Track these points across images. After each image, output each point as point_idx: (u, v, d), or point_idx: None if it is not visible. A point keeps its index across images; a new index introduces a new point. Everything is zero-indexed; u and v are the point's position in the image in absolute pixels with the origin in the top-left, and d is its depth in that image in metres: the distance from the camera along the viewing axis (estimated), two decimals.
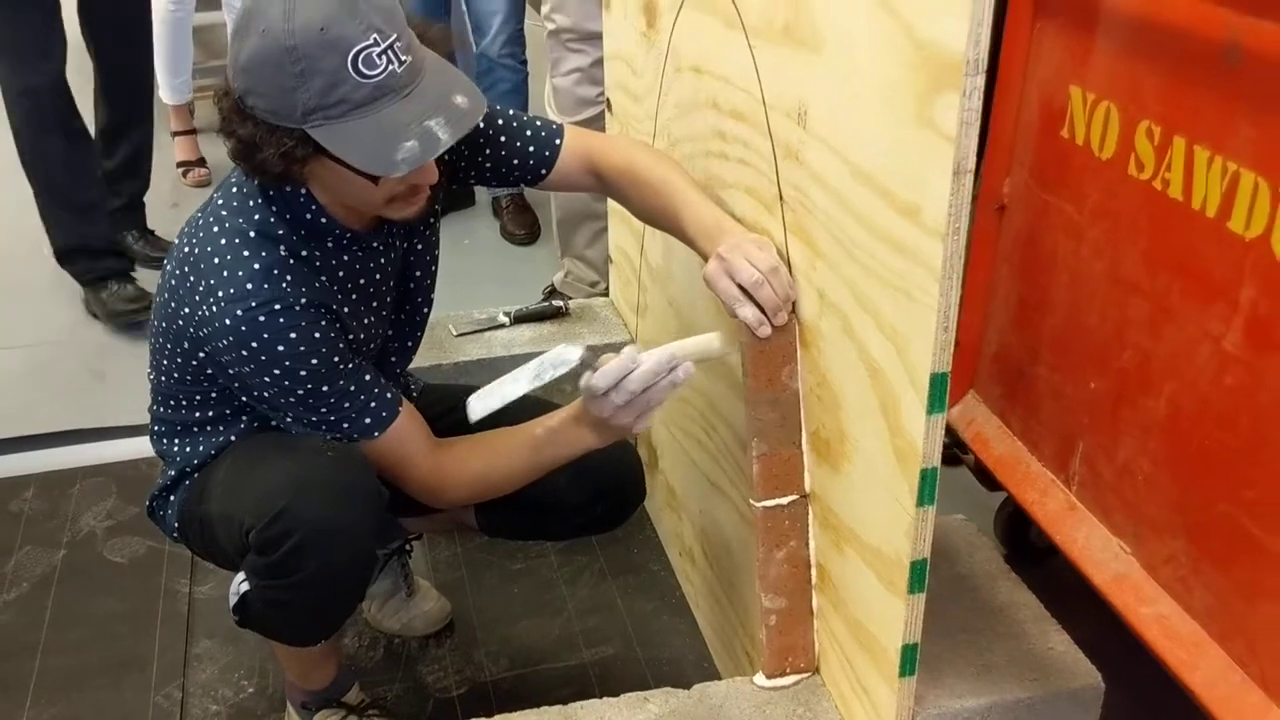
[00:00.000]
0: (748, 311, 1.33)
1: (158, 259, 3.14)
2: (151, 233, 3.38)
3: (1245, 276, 1.29)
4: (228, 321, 1.36)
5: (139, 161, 3.25)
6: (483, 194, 3.72)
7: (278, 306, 1.35)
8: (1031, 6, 1.66)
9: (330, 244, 1.44)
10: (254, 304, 1.35)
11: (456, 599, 2.02)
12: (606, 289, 2.49)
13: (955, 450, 2.37)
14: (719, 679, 1.82)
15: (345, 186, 1.34)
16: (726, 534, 1.74)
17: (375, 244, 1.49)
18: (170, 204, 3.76)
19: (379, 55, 1.23)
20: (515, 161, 1.61)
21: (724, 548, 1.77)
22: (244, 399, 1.48)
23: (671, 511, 2.07)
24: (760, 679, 1.41)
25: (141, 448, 2.41)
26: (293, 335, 1.36)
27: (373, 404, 1.45)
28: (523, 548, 2.14)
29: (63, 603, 2.04)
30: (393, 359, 1.64)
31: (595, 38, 2.52)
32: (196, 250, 1.41)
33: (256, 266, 1.36)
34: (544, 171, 1.63)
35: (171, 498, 1.61)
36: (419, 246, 1.60)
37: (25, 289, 3.19)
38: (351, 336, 1.46)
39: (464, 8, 3.46)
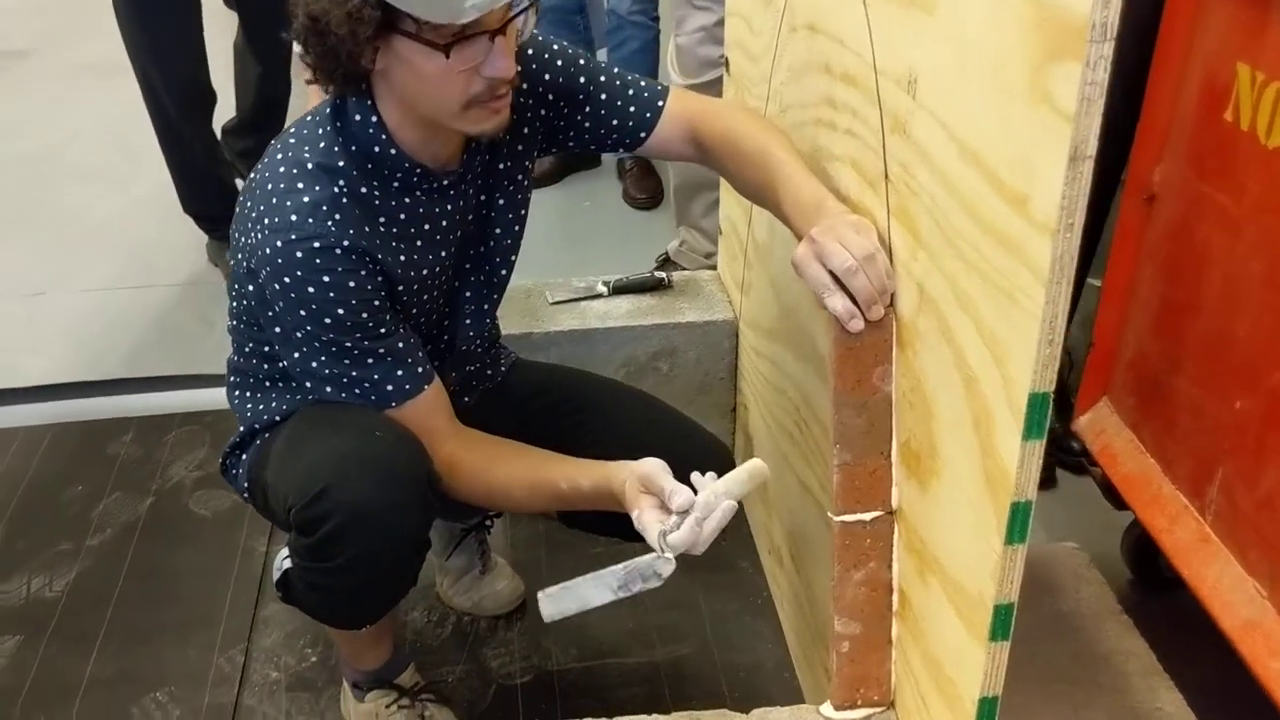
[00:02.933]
0: (837, 302, 1.19)
1: None
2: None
3: None
4: (268, 250, 1.29)
5: (275, 112, 3.23)
6: (609, 155, 3.61)
7: (317, 244, 1.28)
8: None
9: (397, 182, 1.35)
10: (294, 237, 1.28)
11: (531, 580, 1.93)
12: None
13: (1083, 460, 2.18)
14: (797, 691, 1.70)
15: (420, 83, 1.24)
16: (813, 538, 1.60)
17: (446, 183, 1.39)
18: None
19: None
20: (614, 123, 1.50)
21: (810, 553, 1.63)
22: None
23: (762, 506, 1.94)
24: (828, 709, 1.27)
25: None
26: (326, 278, 1.28)
27: (398, 373, 1.36)
28: None
29: (142, 554, 2.02)
30: (467, 320, 1.55)
31: None
32: (257, 177, 1.35)
33: (306, 200, 1.29)
34: (643, 135, 1.51)
35: (243, 456, 1.56)
36: (500, 201, 1.49)
37: (152, 230, 3.22)
38: (403, 287, 1.37)
39: None
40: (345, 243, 1.29)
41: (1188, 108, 1.51)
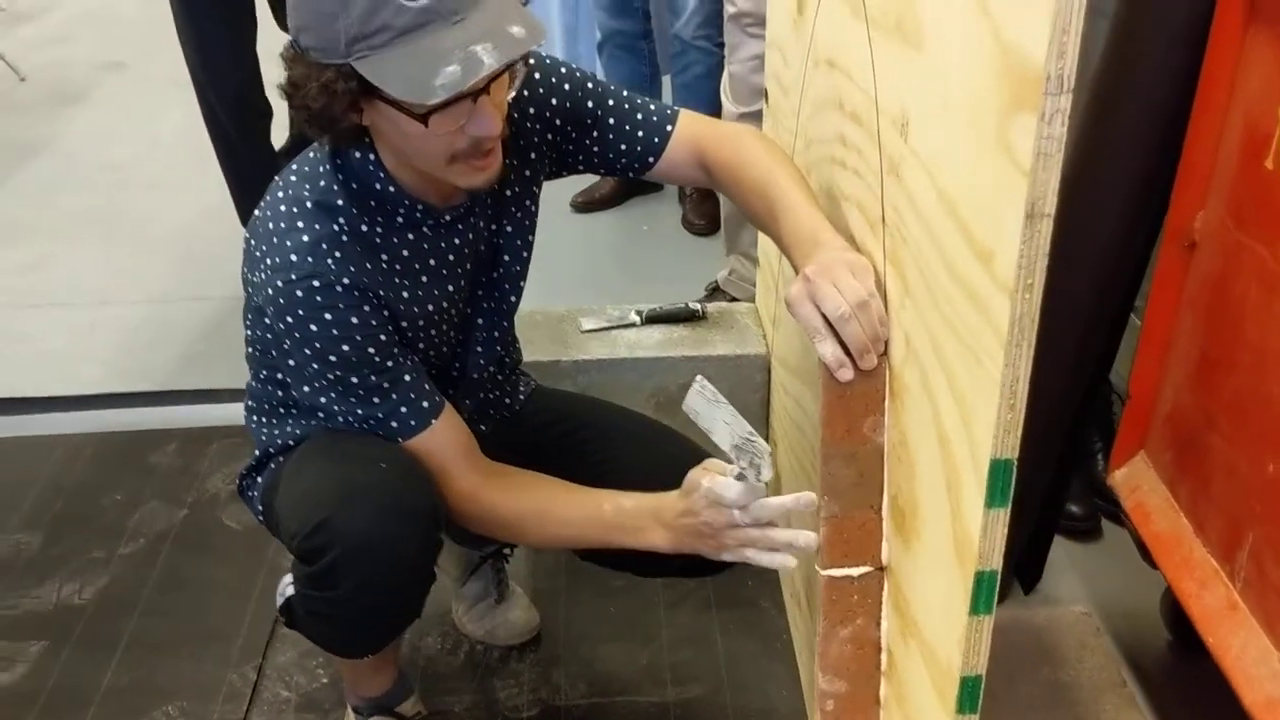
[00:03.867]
0: (827, 349, 1.15)
1: None
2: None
3: None
4: (270, 291, 1.29)
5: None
6: None
7: (317, 283, 1.27)
8: (1244, 14, 1.39)
9: (400, 219, 1.34)
10: (294, 276, 1.28)
11: (548, 610, 1.91)
12: None
13: (1122, 512, 2.09)
14: None
15: (405, 140, 1.24)
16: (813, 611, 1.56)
17: (450, 218, 1.38)
18: None
19: None
20: (623, 147, 1.48)
21: None
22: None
23: None
24: None
25: None
26: (328, 316, 1.28)
27: (403, 408, 1.35)
28: None
29: (171, 564, 2.05)
30: (478, 348, 1.53)
31: None
32: (260, 215, 1.35)
33: (305, 239, 1.29)
34: (650, 160, 1.49)
35: (258, 479, 1.57)
36: (509, 228, 1.48)
37: (215, 242, 3.29)
38: (407, 323, 1.37)
39: None
40: (346, 280, 1.29)
41: (1229, 154, 1.44)
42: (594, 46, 3.50)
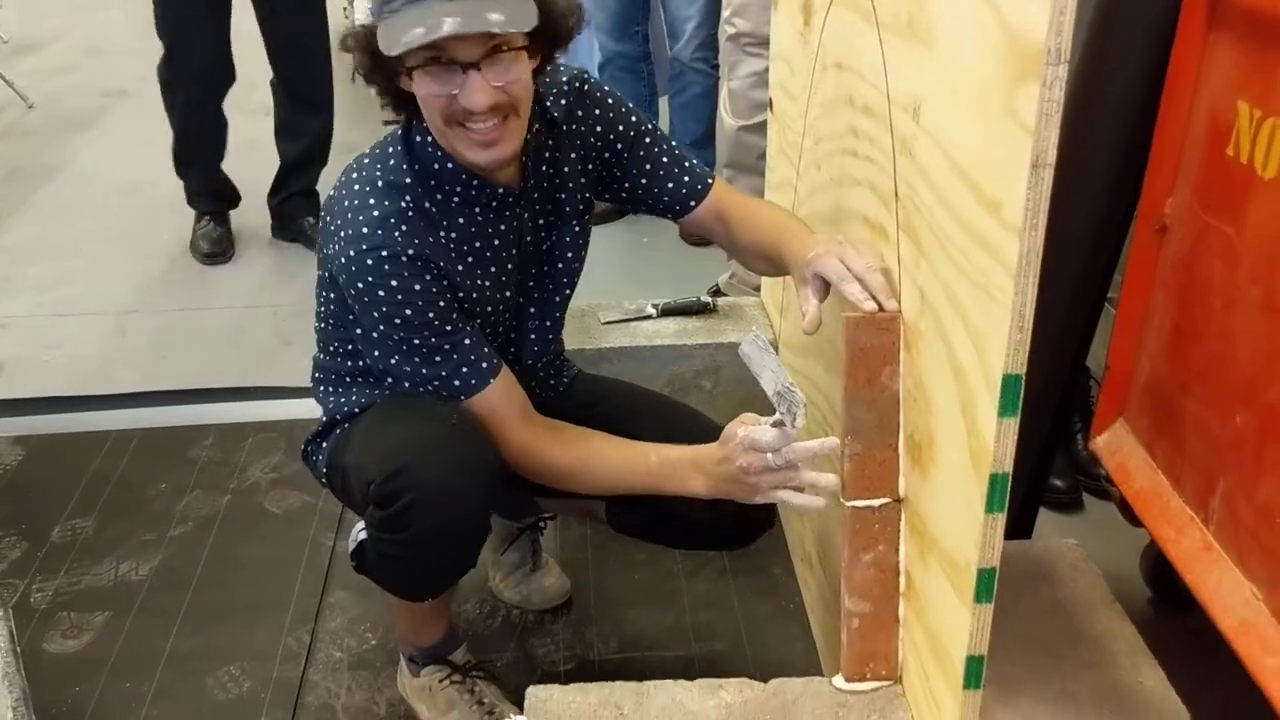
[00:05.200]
0: (855, 288, 1.34)
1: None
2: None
3: None
4: (343, 260, 1.45)
5: (316, 151, 3.50)
6: None
7: (385, 253, 1.43)
8: (1206, 17, 1.57)
9: (457, 198, 1.50)
10: (364, 247, 1.44)
11: (577, 579, 2.06)
12: None
13: (1105, 484, 2.26)
14: None
15: (420, 103, 1.41)
16: (838, 539, 1.71)
17: (499, 201, 1.53)
18: None
19: None
20: (670, 185, 1.67)
21: (837, 554, 1.74)
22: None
23: (797, 516, 2.05)
24: (839, 681, 1.38)
25: (312, 408, 2.58)
26: (394, 283, 1.43)
27: (464, 369, 1.49)
28: None
29: (219, 544, 2.19)
30: (532, 336, 1.68)
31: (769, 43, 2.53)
32: (335, 193, 1.52)
33: (375, 214, 1.45)
34: (692, 204, 1.68)
35: (324, 444, 1.71)
36: (561, 229, 1.63)
37: (236, 257, 3.46)
38: (463, 295, 1.51)
39: (661, 13, 3.52)
40: (410, 251, 1.44)
41: (1195, 144, 1.62)
42: (595, 68, 3.68)
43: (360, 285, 1.45)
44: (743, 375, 2.21)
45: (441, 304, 1.48)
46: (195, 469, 2.41)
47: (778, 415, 1.34)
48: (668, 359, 2.18)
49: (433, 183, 1.49)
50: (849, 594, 1.37)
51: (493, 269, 1.57)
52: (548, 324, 1.69)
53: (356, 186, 1.48)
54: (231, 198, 3.54)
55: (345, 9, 5.70)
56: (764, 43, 2.62)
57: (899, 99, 1.33)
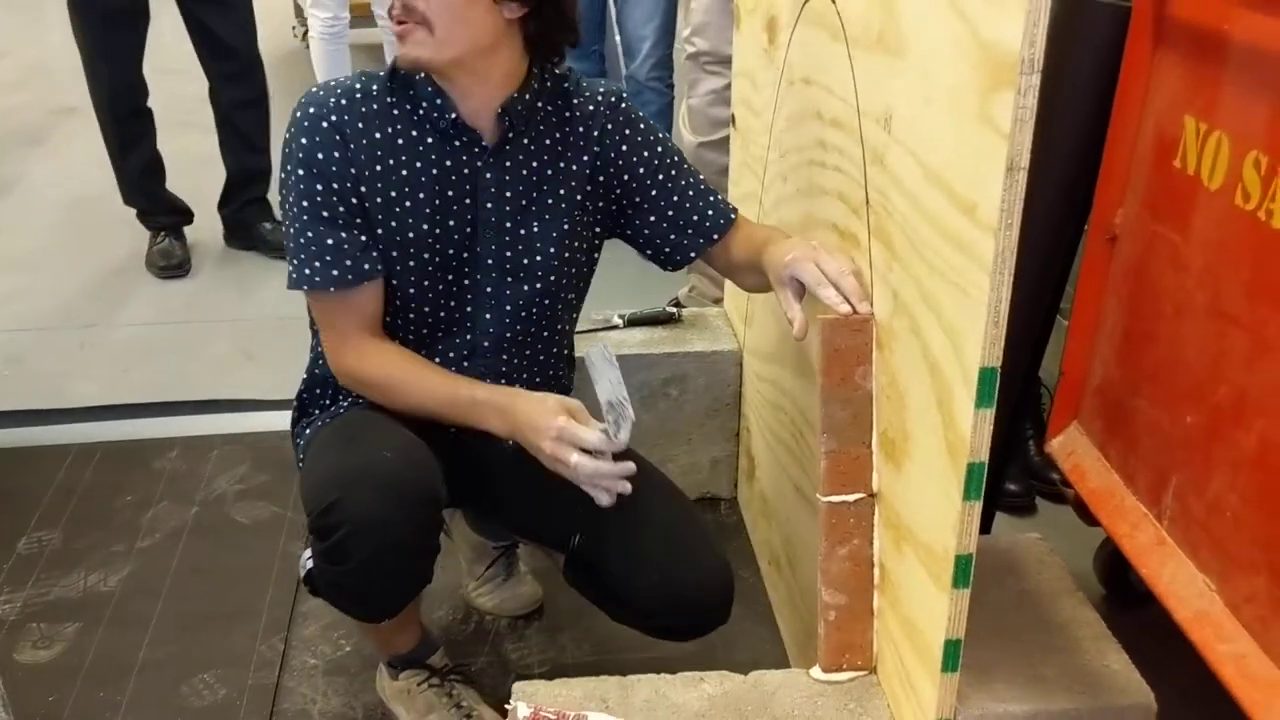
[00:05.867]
0: (830, 293, 1.39)
1: (281, 246, 3.48)
2: (280, 222, 3.62)
3: None
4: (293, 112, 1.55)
5: (257, 168, 3.55)
6: None
7: (313, 110, 1.53)
8: (1152, 37, 1.66)
9: (420, 112, 1.54)
10: (303, 100, 1.54)
11: (548, 586, 2.09)
12: None
13: (1060, 486, 2.34)
14: None
15: None
16: (809, 540, 1.77)
17: (466, 141, 1.56)
18: None
19: None
20: (694, 218, 1.70)
21: (806, 553, 1.80)
22: None
23: (764, 520, 2.10)
24: (817, 672, 1.43)
25: (276, 421, 2.59)
26: (304, 139, 1.52)
27: (343, 260, 1.54)
28: None
29: (188, 554, 2.19)
30: (487, 315, 1.64)
31: (730, 61, 2.60)
32: None
33: (332, 83, 1.55)
34: (715, 237, 1.71)
35: (306, 430, 1.71)
36: (560, 225, 1.62)
37: (195, 272, 3.47)
38: (381, 205, 1.54)
39: (616, 33, 3.59)
40: (333, 118, 1.52)
41: (1144, 157, 1.70)
42: None
43: (286, 136, 1.54)
44: (709, 383, 2.28)
45: (335, 186, 1.52)
46: (161, 481, 2.41)
47: (605, 425, 1.43)
48: (635, 368, 2.22)
49: (409, 91, 1.55)
50: (825, 587, 1.42)
51: (432, 202, 1.56)
52: (507, 309, 1.64)
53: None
54: (184, 212, 3.54)
55: (294, 28, 5.72)
56: (723, 61, 2.70)
57: (870, 111, 1.39)
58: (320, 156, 1.51)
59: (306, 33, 5.96)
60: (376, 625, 1.72)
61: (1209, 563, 1.53)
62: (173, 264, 3.42)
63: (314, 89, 1.55)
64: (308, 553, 1.64)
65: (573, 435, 1.44)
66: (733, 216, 1.71)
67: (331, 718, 1.82)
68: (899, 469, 1.33)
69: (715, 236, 1.70)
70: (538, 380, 1.74)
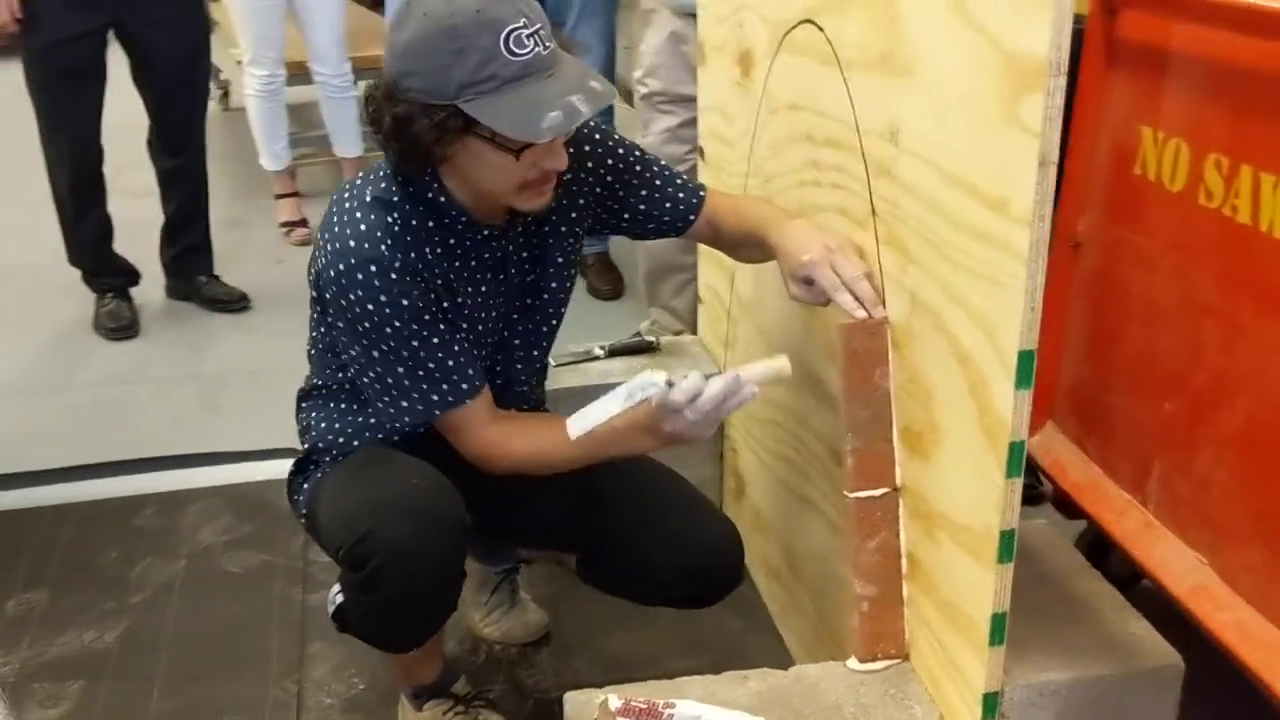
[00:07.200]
0: (847, 298, 1.46)
1: (222, 300, 3.59)
2: (217, 277, 3.67)
3: None
4: (333, 273, 1.50)
5: (195, 213, 3.58)
6: None
7: (373, 267, 1.48)
8: (1104, 56, 1.78)
9: (445, 224, 1.55)
10: (353, 261, 1.49)
11: (554, 612, 2.12)
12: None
13: (1035, 488, 2.44)
14: None
15: (483, 169, 1.46)
16: (817, 546, 1.83)
17: (488, 234, 1.59)
18: (275, 261, 3.99)
19: (527, 37, 1.38)
20: (667, 205, 1.75)
21: (814, 560, 1.86)
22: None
23: (759, 534, 2.16)
24: (853, 663, 1.49)
25: (252, 472, 2.59)
26: (382, 297, 1.49)
27: (445, 385, 1.55)
28: None
29: (185, 606, 2.17)
30: (518, 365, 1.74)
31: (684, 100, 2.70)
32: (327, 217, 1.57)
33: (363, 227, 1.50)
34: (691, 219, 1.76)
35: (304, 484, 1.74)
36: (550, 264, 1.69)
37: (150, 329, 3.46)
38: (449, 307, 1.56)
39: None
40: (398, 263, 1.50)
41: (1102, 167, 1.81)
42: None
43: (351, 297, 1.50)
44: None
45: (428, 316, 1.52)
46: (142, 537, 2.39)
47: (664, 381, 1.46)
48: None
49: (421, 208, 1.54)
50: (858, 579, 1.49)
51: (469, 289, 1.61)
52: (535, 354, 1.76)
53: (348, 205, 1.54)
54: (132, 273, 3.52)
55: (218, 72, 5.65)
56: (675, 100, 2.80)
57: (871, 128, 1.48)
58: (405, 303, 1.50)
59: (224, 95, 5.98)
60: (403, 656, 1.74)
61: (1199, 539, 1.63)
62: (122, 325, 3.38)
63: (351, 243, 1.50)
64: (335, 589, 1.66)
65: (665, 405, 1.46)
66: (702, 194, 1.77)
67: None
68: (927, 460, 1.40)
69: (691, 218, 1.76)
70: (524, 389, 1.81)
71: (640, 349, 2.40)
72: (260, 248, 4.05)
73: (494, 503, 1.67)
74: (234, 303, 3.57)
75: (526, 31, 1.38)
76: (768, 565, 2.13)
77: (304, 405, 1.75)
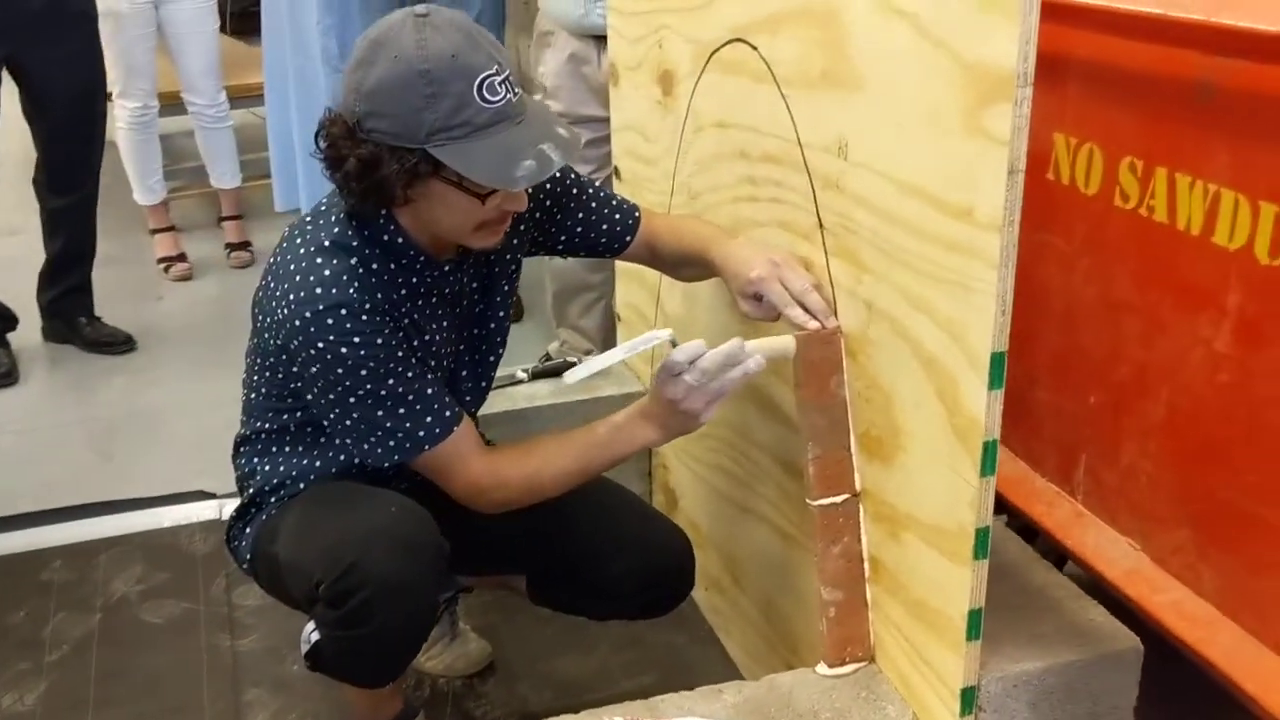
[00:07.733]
0: (798, 313, 1.49)
1: (105, 342, 3.45)
2: (99, 318, 3.53)
3: (1231, 283, 1.45)
4: (298, 323, 1.46)
5: (81, 255, 3.45)
6: None
7: (343, 311, 1.45)
8: None
9: (404, 263, 1.53)
10: (321, 307, 1.45)
11: (493, 641, 2.09)
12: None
13: None
14: None
15: (446, 211, 1.45)
16: (763, 555, 1.85)
17: (445, 270, 1.58)
18: (155, 298, 3.85)
19: (500, 84, 1.38)
20: (604, 227, 1.76)
21: (760, 569, 1.88)
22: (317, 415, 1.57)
23: (696, 549, 2.16)
24: (822, 668, 1.51)
25: (159, 518, 2.49)
26: (355, 339, 1.45)
27: (428, 418, 1.52)
28: None
29: (106, 661, 2.07)
30: (468, 398, 1.72)
31: (586, 121, 2.71)
32: (277, 260, 1.53)
33: (327, 273, 1.47)
34: (628, 239, 1.78)
35: (247, 528, 1.69)
36: (493, 292, 1.70)
37: (30, 375, 3.31)
38: (418, 345, 1.55)
39: None
40: (368, 304, 1.47)
41: None
42: None
43: (320, 345, 1.46)
44: None
45: (401, 353, 1.50)
46: (52, 592, 2.27)
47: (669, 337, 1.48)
48: (550, 418, 2.26)
49: (378, 250, 1.52)
50: (824, 585, 1.51)
51: (433, 325, 1.61)
52: (483, 385, 1.76)
53: (302, 249, 1.50)
54: (8, 318, 3.36)
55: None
56: (578, 121, 2.80)
57: (814, 142, 1.51)
58: (379, 342, 1.47)
59: None
60: (373, 692, 1.71)
61: (1129, 525, 1.70)
62: (1, 372, 3.22)
63: (318, 289, 1.47)
64: (309, 628, 1.60)
65: (665, 368, 1.46)
66: (638, 215, 1.79)
67: None
68: (888, 463, 1.44)
69: (628, 239, 1.77)
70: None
71: (562, 370, 2.38)
72: (138, 285, 3.90)
73: (449, 529, 1.64)
74: (119, 345, 3.43)
75: (499, 79, 1.38)
76: (707, 577, 2.14)
77: (243, 450, 1.70)
